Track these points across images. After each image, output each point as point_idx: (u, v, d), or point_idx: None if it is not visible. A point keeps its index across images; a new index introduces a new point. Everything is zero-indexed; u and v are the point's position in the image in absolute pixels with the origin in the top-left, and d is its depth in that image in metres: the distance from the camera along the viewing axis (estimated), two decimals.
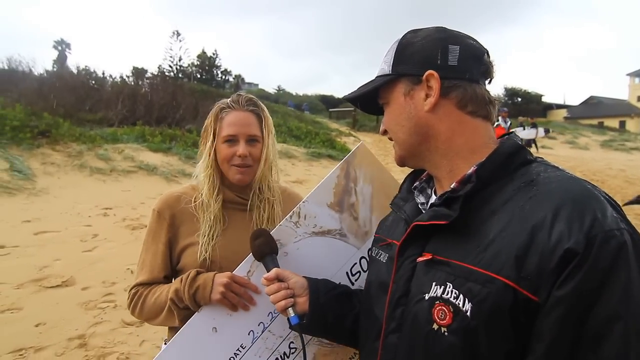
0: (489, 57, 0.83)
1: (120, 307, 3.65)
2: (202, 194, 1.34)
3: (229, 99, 1.36)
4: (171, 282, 1.33)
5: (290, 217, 1.24)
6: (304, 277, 1.11)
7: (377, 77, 0.89)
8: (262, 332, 1.21)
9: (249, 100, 1.36)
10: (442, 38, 0.81)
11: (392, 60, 0.84)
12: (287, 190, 1.51)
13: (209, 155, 1.33)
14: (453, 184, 0.78)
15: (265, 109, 1.39)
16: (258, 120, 1.35)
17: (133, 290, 1.31)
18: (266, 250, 1.13)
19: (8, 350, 2.94)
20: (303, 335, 1.06)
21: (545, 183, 0.70)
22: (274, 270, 1.09)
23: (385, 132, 0.91)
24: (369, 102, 0.93)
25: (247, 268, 1.21)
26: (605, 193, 0.69)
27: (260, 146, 1.35)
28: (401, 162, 0.91)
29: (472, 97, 0.80)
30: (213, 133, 1.33)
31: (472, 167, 0.77)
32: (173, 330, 1.34)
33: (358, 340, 1.01)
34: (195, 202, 1.33)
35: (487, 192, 0.74)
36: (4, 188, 6.29)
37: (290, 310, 1.04)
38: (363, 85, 0.91)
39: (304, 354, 1.06)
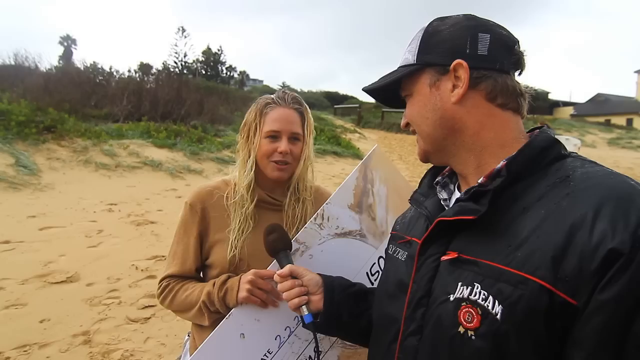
0: (520, 47, 0.78)
1: (124, 304, 3.63)
2: (238, 190, 1.32)
3: (274, 95, 1.34)
4: (200, 275, 1.34)
5: (315, 219, 1.24)
6: (318, 274, 1.07)
7: (399, 67, 0.83)
8: (289, 336, 1.20)
9: (294, 98, 1.35)
10: (472, 26, 0.76)
11: (417, 49, 0.79)
12: (319, 190, 1.48)
13: (253, 151, 1.31)
14: (481, 179, 0.73)
15: (308, 108, 1.39)
16: (301, 119, 1.34)
17: (165, 282, 1.31)
18: (279, 245, 1.10)
19: (12, 346, 2.92)
20: (317, 334, 1.02)
21: (583, 179, 0.65)
22: (287, 267, 1.05)
23: (407, 126, 0.85)
24: (389, 94, 0.87)
25: (277, 268, 1.20)
26: None
27: (300, 145, 1.33)
28: (425, 158, 0.85)
29: (502, 88, 0.74)
30: (256, 128, 1.31)
31: (502, 162, 0.72)
32: (198, 326, 1.33)
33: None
34: (227, 197, 1.32)
35: (518, 188, 0.69)
36: (9, 183, 6.30)
37: (304, 308, 1.01)
38: (385, 76, 0.85)
39: (317, 355, 1.02)
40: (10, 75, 13.47)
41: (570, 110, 45.06)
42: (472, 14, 0.79)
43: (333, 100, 39.23)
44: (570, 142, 15.22)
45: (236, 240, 1.27)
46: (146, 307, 3.61)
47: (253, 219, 1.31)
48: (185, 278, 1.32)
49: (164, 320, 3.42)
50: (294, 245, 1.19)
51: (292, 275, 1.04)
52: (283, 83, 54.82)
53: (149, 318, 3.43)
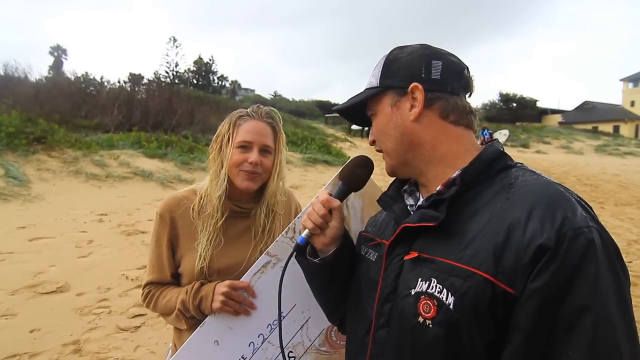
0: (469, 72, 0.89)
1: (114, 313, 3.66)
2: (210, 201, 1.34)
3: (249, 109, 1.38)
4: (179, 280, 1.38)
5: (286, 232, 1.25)
6: (345, 233, 1.03)
7: (365, 89, 0.94)
8: (262, 343, 1.25)
9: (267, 113, 1.38)
10: (426, 54, 0.87)
11: (379, 74, 0.90)
12: (290, 195, 1.51)
13: (225, 161, 1.33)
14: (439, 187, 0.82)
15: (281, 124, 1.40)
16: (273, 133, 1.37)
17: (146, 289, 1.38)
18: (352, 181, 1.02)
19: (3, 356, 2.94)
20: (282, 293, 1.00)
21: (521, 186, 0.75)
22: (333, 201, 0.99)
23: (373, 143, 0.96)
24: (358, 114, 0.98)
25: (255, 270, 1.24)
26: (577, 195, 0.74)
27: (272, 158, 1.36)
28: (392, 172, 0.95)
29: (453, 107, 0.85)
30: (229, 139, 1.33)
31: (457, 172, 0.81)
32: (178, 330, 1.39)
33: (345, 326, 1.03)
34: (193, 208, 1.35)
35: (469, 195, 0.79)
36: None
37: (306, 232, 0.99)
38: (352, 98, 0.96)
39: (282, 275, 1.00)
40: (0, 86, 13.42)
41: (558, 117, 45.80)
42: (428, 43, 0.91)
43: (325, 109, 39.45)
44: (501, 133, 18.73)
45: (205, 252, 1.30)
46: (136, 315, 3.63)
47: (221, 230, 1.34)
48: (165, 284, 1.37)
49: (154, 329, 3.45)
50: (265, 259, 1.23)
51: (331, 210, 0.99)
52: (275, 92, 55.09)
53: (139, 327, 3.46)
